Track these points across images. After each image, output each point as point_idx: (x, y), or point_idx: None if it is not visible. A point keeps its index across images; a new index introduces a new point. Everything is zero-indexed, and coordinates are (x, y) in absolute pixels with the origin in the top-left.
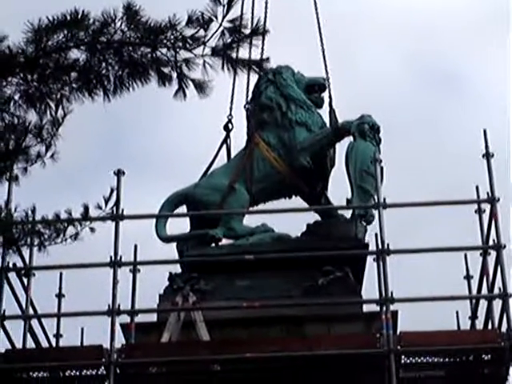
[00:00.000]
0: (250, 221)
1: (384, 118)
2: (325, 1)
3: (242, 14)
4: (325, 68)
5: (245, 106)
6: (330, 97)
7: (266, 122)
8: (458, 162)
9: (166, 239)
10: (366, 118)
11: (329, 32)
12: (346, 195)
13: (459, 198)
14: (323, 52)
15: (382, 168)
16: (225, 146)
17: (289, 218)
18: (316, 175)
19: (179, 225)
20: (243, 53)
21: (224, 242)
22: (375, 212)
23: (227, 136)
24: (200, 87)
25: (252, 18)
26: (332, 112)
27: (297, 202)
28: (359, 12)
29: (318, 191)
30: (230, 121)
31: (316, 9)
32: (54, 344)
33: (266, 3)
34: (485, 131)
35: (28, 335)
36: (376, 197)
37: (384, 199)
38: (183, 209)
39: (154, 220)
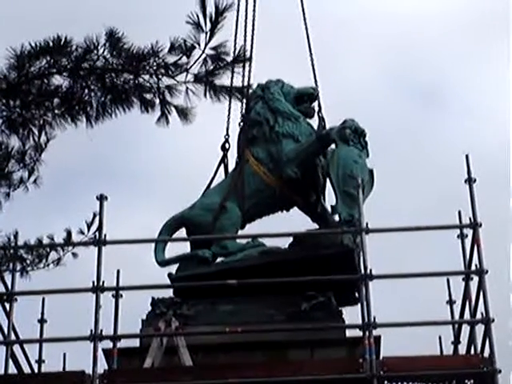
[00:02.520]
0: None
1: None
2: (309, 13)
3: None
4: (314, 77)
5: (239, 124)
6: (319, 105)
7: (256, 138)
8: (440, 179)
9: (162, 263)
10: (348, 122)
11: (313, 40)
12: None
13: (441, 219)
14: (312, 61)
15: (372, 172)
16: (222, 165)
17: (284, 230)
18: (307, 185)
19: (182, 247)
20: (227, 79)
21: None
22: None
23: (224, 155)
24: (182, 113)
25: (235, 44)
26: (321, 120)
27: (293, 214)
28: (342, 23)
29: (314, 200)
30: (226, 140)
31: (305, 20)
32: (36, 370)
33: (253, 28)
34: (467, 156)
35: (10, 361)
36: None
37: (366, 224)
38: (182, 232)
39: (153, 246)
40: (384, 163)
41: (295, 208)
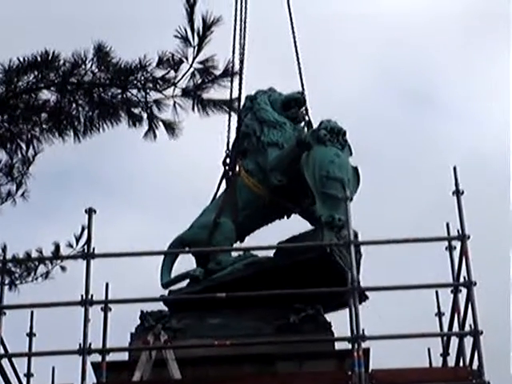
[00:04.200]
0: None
1: (356, 136)
2: (297, 15)
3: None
4: (300, 81)
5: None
6: (306, 109)
7: (247, 150)
8: (428, 188)
9: (165, 285)
10: (324, 123)
11: (301, 45)
12: None
13: (430, 229)
14: (299, 65)
15: (356, 169)
16: (225, 180)
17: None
18: (296, 190)
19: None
20: (214, 93)
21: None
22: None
23: (226, 170)
24: (170, 128)
25: (233, 55)
26: (308, 124)
27: (292, 221)
28: (330, 26)
29: (308, 204)
30: (227, 155)
31: (292, 23)
32: None
33: (244, 41)
34: (454, 168)
35: None
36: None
37: (355, 234)
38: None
39: (160, 268)
40: (372, 168)
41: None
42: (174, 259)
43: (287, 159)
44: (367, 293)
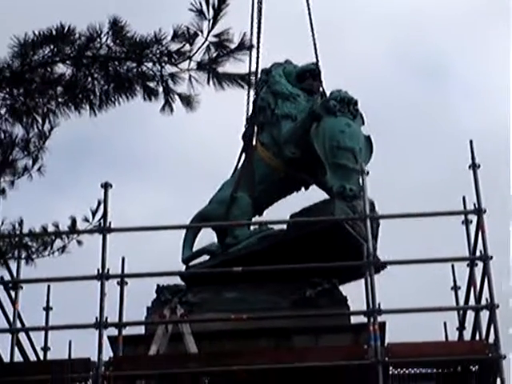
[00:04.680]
0: None
1: (370, 111)
2: None
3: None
4: (315, 52)
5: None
6: (320, 81)
7: (263, 124)
8: (444, 162)
9: (184, 261)
10: (334, 93)
11: (316, 20)
12: None
13: (446, 205)
14: (313, 35)
15: (369, 138)
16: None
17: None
18: (311, 162)
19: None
20: (230, 66)
21: None
22: (359, 202)
23: (246, 145)
24: (186, 101)
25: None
26: (322, 96)
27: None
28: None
29: (322, 175)
30: (247, 129)
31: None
32: (41, 357)
33: (260, 13)
34: (471, 142)
35: (15, 349)
36: (360, 179)
37: (372, 204)
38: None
39: (181, 244)
40: (387, 142)
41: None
42: (195, 235)
43: (300, 131)
44: None
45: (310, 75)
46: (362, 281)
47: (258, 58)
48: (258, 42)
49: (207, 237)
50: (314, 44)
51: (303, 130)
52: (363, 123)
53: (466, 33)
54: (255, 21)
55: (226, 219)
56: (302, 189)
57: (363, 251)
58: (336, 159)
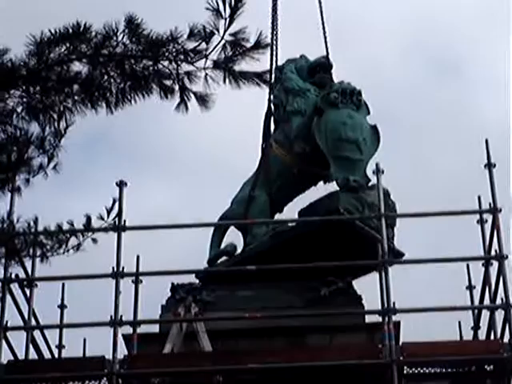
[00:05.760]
0: None
1: (382, 107)
2: None
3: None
4: (325, 44)
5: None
6: (330, 74)
7: (278, 121)
8: (458, 159)
9: (208, 261)
10: (335, 85)
11: (329, 14)
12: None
13: (461, 204)
14: (323, 28)
15: (375, 128)
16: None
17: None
18: (321, 156)
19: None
20: (246, 66)
21: None
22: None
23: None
24: (202, 100)
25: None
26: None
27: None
28: None
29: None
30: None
31: None
32: (56, 355)
33: (275, 12)
34: (486, 141)
35: (30, 346)
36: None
37: (387, 192)
38: (232, 229)
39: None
40: (401, 138)
41: None
42: (221, 236)
43: (308, 126)
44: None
45: (320, 69)
46: (377, 280)
47: (271, 56)
48: (272, 40)
49: (236, 238)
50: (325, 37)
51: (310, 124)
52: (368, 113)
53: (481, 22)
54: (271, 19)
55: (245, 219)
56: (318, 184)
57: (374, 242)
58: (339, 152)
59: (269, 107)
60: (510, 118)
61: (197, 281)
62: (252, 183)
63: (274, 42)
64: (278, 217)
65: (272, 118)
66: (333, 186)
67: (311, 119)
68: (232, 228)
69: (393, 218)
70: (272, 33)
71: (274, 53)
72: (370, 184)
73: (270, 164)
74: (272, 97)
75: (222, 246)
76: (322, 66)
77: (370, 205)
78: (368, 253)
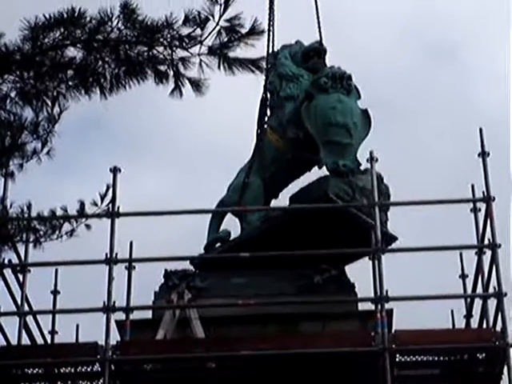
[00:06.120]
0: None
1: (378, 94)
2: None
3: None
4: (318, 30)
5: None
6: (324, 59)
7: (272, 107)
8: (453, 148)
9: (204, 248)
10: (325, 70)
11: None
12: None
13: (454, 193)
14: (317, 13)
15: (366, 112)
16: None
17: None
18: (312, 141)
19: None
20: (241, 52)
21: None
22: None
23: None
24: (196, 86)
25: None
26: None
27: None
28: None
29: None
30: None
31: None
32: (49, 341)
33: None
34: (480, 130)
35: (23, 332)
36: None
37: (380, 177)
38: (229, 216)
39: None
40: (395, 125)
41: None
42: (219, 222)
43: (298, 111)
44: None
45: (314, 54)
46: (370, 268)
47: (268, 42)
48: (269, 26)
49: (234, 224)
50: (318, 22)
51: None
52: (359, 97)
53: (479, 10)
54: (268, 4)
55: (239, 205)
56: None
57: (366, 227)
58: (328, 137)
59: (264, 93)
60: (508, 106)
61: (190, 267)
62: (247, 169)
63: (271, 28)
64: (273, 203)
65: (267, 104)
66: (325, 171)
67: (303, 104)
68: (229, 214)
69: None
70: (269, 19)
71: (271, 39)
72: (362, 168)
73: (265, 150)
74: (268, 83)
75: (218, 232)
76: (316, 52)
77: (361, 189)
78: (360, 237)
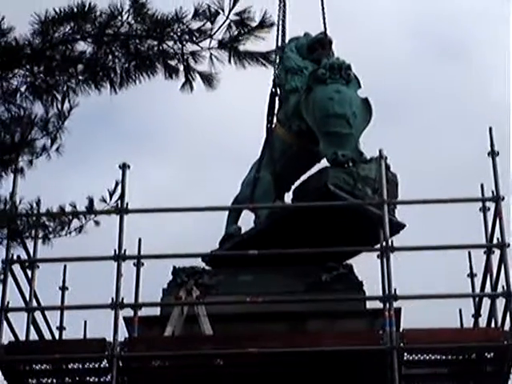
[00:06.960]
0: None
1: (389, 92)
2: None
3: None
4: (323, 21)
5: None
6: (330, 49)
7: (281, 101)
8: (463, 144)
9: (219, 244)
10: (323, 61)
11: None
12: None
13: (464, 192)
14: (322, 3)
15: (366, 100)
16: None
17: None
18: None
19: None
20: (251, 45)
21: None
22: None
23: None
24: (207, 80)
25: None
26: None
27: None
28: None
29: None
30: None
31: None
32: (57, 336)
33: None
34: (490, 129)
35: (31, 327)
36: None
37: (387, 167)
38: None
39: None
40: (404, 122)
41: None
42: (235, 218)
43: (300, 103)
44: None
45: (319, 45)
46: (378, 266)
47: (277, 35)
48: (279, 19)
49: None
50: (323, 13)
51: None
52: (360, 87)
53: (489, 5)
54: None
55: (252, 200)
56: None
57: (373, 218)
58: (327, 128)
59: (273, 87)
60: None
61: (199, 264)
62: (257, 165)
63: (281, 21)
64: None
65: (277, 98)
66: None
67: (302, 97)
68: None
69: (394, 190)
70: (279, 11)
71: (281, 32)
72: (365, 157)
73: (274, 144)
74: (276, 77)
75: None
76: (321, 43)
77: (363, 178)
78: (368, 228)
